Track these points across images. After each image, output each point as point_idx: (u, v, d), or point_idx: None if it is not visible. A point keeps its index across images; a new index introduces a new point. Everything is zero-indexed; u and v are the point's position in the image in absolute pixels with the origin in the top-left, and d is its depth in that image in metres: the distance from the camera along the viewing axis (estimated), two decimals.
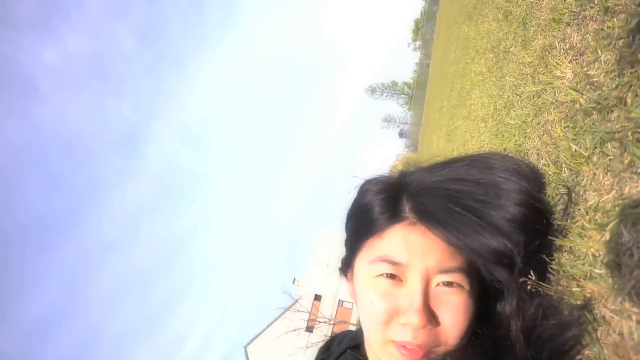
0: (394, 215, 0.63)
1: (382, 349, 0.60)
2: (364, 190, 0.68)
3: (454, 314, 0.58)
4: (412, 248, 0.61)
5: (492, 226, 0.57)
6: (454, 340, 0.58)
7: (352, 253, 0.68)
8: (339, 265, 0.78)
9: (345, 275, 0.74)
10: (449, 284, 0.58)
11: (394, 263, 0.60)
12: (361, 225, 0.65)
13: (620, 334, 0.47)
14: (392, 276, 0.59)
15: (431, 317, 0.56)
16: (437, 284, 0.59)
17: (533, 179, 0.63)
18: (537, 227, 0.59)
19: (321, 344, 0.81)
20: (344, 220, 0.76)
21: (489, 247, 0.57)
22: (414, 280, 0.59)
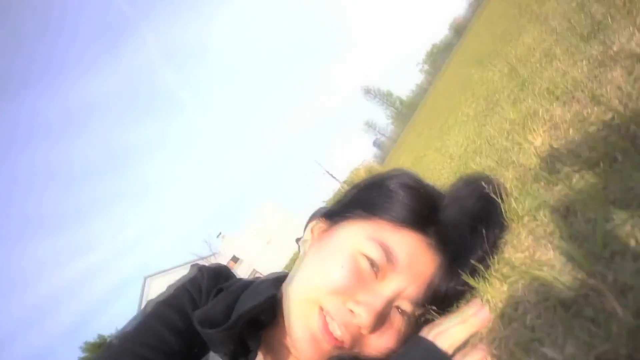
0: (421, 224, 0.63)
1: (306, 306, 0.58)
2: (400, 177, 0.67)
3: (391, 336, 0.59)
4: (413, 263, 0.61)
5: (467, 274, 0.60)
6: (374, 354, 0.59)
7: (347, 214, 0.66)
8: (318, 210, 0.74)
9: (315, 220, 0.71)
10: (404, 312, 0.60)
11: (389, 260, 0.59)
12: (380, 202, 0.64)
13: None
14: (374, 265, 0.59)
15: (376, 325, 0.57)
16: (398, 306, 0.60)
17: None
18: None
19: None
20: (359, 183, 0.73)
21: (459, 291, 0.61)
22: (389, 287, 0.59)
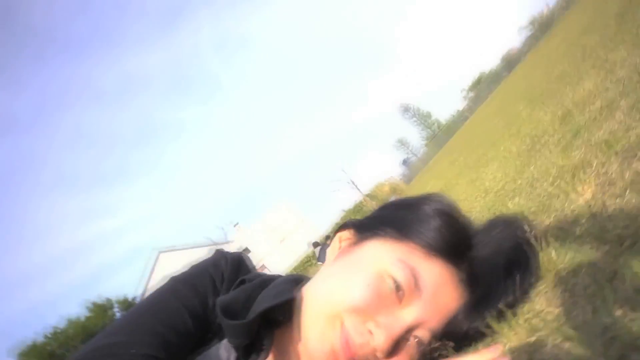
0: (454, 257, 0.62)
1: (326, 319, 0.58)
2: (438, 203, 0.66)
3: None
4: (440, 294, 0.60)
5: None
6: None
7: (378, 230, 0.66)
8: (349, 220, 0.74)
9: (345, 231, 0.71)
10: (420, 342, 0.59)
11: (416, 286, 0.58)
12: (415, 226, 0.63)
13: None
14: (399, 289, 0.58)
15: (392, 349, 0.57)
16: (415, 335, 0.59)
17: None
18: None
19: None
20: (394, 201, 0.73)
21: (481, 333, 0.60)
22: (411, 314, 0.58)
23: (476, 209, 1.65)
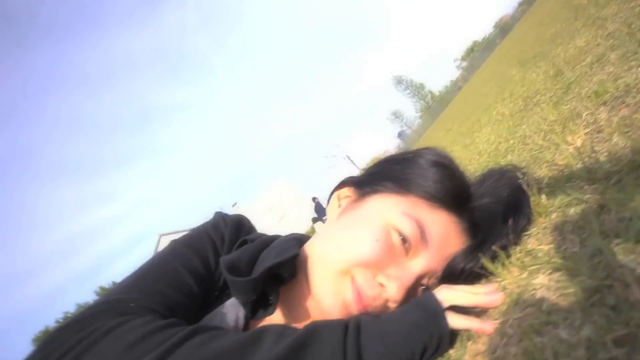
0: (456, 207, 0.64)
1: (337, 275, 0.60)
2: (435, 156, 0.67)
3: None
4: (445, 244, 0.62)
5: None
6: None
7: (378, 186, 0.67)
8: (346, 178, 0.75)
9: (343, 188, 0.72)
10: (427, 289, 0.62)
11: (422, 237, 0.60)
12: (415, 179, 0.65)
13: (484, 349, 0.53)
14: (405, 242, 0.60)
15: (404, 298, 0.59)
16: (421, 284, 0.62)
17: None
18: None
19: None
20: (388, 157, 0.75)
21: (475, 273, 0.62)
22: (419, 265, 0.60)
23: (470, 170, 1.68)
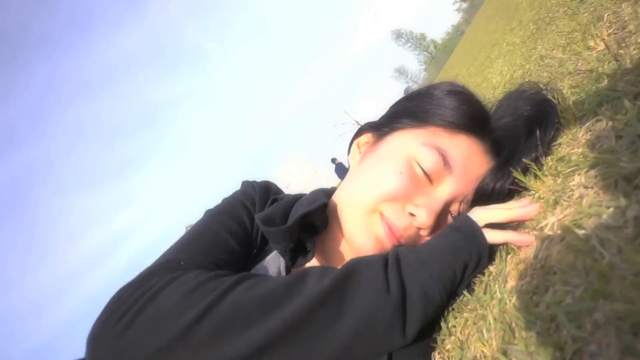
0: (475, 129, 0.63)
1: (366, 214, 0.61)
2: (448, 86, 0.67)
3: None
4: (469, 167, 0.62)
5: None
6: None
7: (395, 124, 0.67)
8: (363, 125, 0.75)
9: (362, 135, 0.72)
10: (457, 214, 0.62)
11: (445, 164, 0.60)
12: (431, 109, 0.64)
13: (525, 257, 0.53)
14: (429, 171, 0.60)
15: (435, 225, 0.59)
16: (451, 211, 0.62)
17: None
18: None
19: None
20: (402, 97, 0.74)
21: (508, 190, 0.62)
22: (445, 191, 0.60)
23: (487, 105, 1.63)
